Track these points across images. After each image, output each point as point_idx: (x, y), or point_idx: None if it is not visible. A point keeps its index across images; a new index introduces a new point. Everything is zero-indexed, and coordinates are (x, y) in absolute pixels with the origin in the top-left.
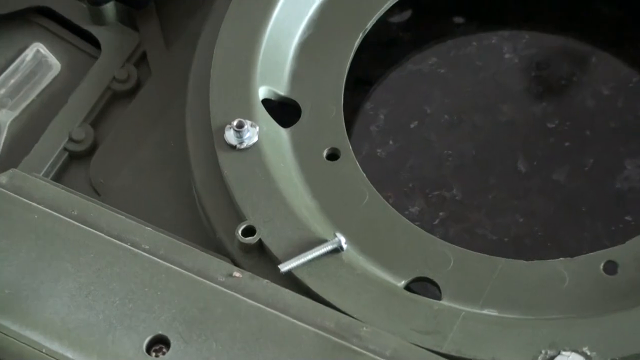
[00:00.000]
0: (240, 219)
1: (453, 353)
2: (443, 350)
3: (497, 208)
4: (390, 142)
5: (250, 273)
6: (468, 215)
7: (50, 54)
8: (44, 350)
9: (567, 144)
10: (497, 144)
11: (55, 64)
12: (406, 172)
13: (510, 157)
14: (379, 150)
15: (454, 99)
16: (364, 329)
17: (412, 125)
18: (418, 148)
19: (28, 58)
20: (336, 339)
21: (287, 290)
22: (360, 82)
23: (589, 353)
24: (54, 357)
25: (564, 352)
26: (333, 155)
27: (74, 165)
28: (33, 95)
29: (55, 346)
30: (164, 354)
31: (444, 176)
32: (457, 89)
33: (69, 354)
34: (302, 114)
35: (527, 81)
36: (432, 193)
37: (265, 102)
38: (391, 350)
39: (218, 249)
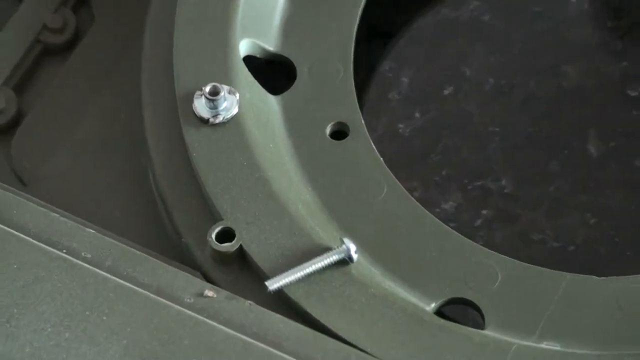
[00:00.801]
0: (215, 218)
1: None
2: None
3: (560, 205)
4: (417, 115)
5: (227, 292)
6: (521, 214)
7: None
8: None
9: None
10: (561, 118)
11: None
12: (438, 155)
13: (579, 137)
14: (400, 126)
15: (502, 58)
16: None
17: (445, 92)
18: (454, 123)
19: None
20: None
21: (277, 316)
22: (376, 33)
23: None
24: None
25: None
26: (339, 133)
27: None
28: None
29: None
30: None
31: (488, 161)
32: (507, 43)
33: None
34: (297, 77)
35: (600, 34)
36: (472, 184)
37: (249, 60)
38: None
39: (184, 258)
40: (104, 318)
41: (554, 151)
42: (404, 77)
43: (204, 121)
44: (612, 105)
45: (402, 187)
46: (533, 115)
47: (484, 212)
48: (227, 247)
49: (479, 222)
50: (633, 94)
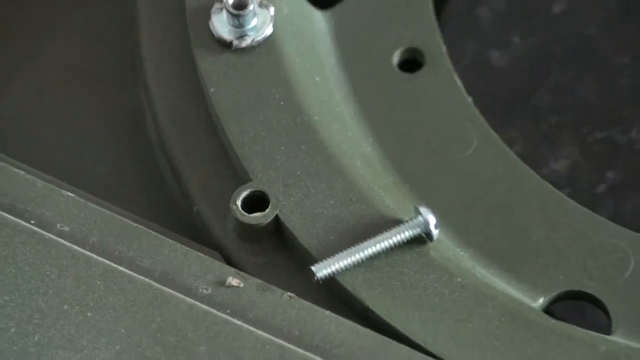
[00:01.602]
0: (241, 179)
1: None
2: None
3: None
4: (516, 40)
5: (258, 280)
6: None
7: None
8: None
9: None
10: None
11: None
12: (546, 95)
13: None
14: (494, 54)
15: None
16: None
17: (555, 10)
18: (567, 51)
19: None
20: None
21: (328, 313)
22: None
23: None
24: None
25: None
26: (411, 62)
27: None
28: None
29: None
30: None
31: (615, 105)
32: None
33: None
34: None
35: None
36: (593, 135)
37: None
38: None
39: (197, 233)
40: (89, 314)
41: None
42: None
43: (226, 44)
44: None
45: (497, 138)
46: None
47: (609, 173)
48: (258, 217)
49: (602, 187)
50: None
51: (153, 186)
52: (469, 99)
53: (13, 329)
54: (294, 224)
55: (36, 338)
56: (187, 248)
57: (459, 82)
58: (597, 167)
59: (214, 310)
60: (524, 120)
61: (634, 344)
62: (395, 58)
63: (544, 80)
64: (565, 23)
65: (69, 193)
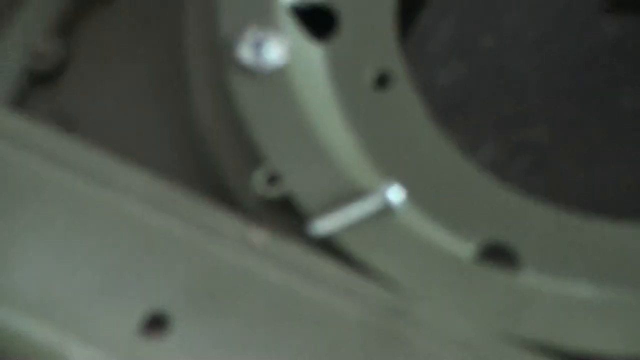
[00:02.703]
0: (260, 163)
1: (537, 341)
2: (525, 336)
3: (593, 155)
4: (456, 67)
5: (271, 234)
6: (557, 164)
7: None
8: (13, 333)
9: None
10: (597, 71)
11: None
12: (476, 106)
13: (613, 90)
14: (440, 77)
15: (540, 10)
16: (422, 308)
17: (485, 44)
18: (492, 75)
19: None
20: (386, 323)
21: (321, 258)
22: None
23: None
24: (24, 341)
25: None
26: (382, 81)
27: (37, 91)
28: None
29: (26, 327)
30: (162, 335)
31: (525, 112)
32: None
33: (38, 336)
34: (341, 25)
35: None
36: (510, 135)
37: (292, 10)
38: (459, 339)
39: (231, 203)
40: (155, 257)
41: (589, 103)
42: (443, 28)
43: (248, 70)
44: None
45: (442, 136)
46: (570, 67)
47: (520, 162)
48: (272, 190)
49: (514, 171)
50: None
51: (198, 169)
52: (423, 108)
53: (101, 268)
54: (300, 193)
55: (117, 274)
56: (222, 211)
57: (415, 95)
58: (513, 157)
59: (243, 255)
60: (462, 124)
61: (537, 279)
62: (371, 77)
63: (474, 95)
64: (493, 53)
65: (139, 171)
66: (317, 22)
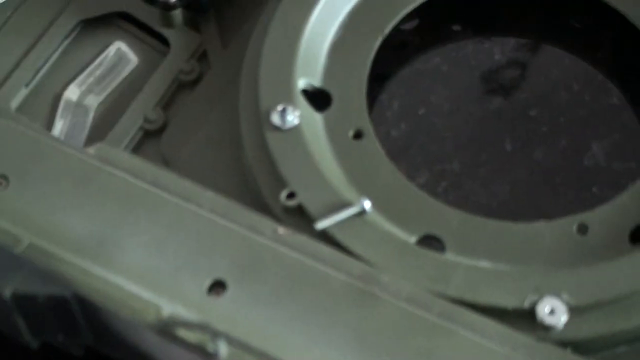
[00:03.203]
0: (284, 186)
1: (457, 297)
2: (449, 295)
3: (488, 179)
4: (402, 126)
5: (291, 230)
6: (465, 184)
7: (130, 51)
8: (123, 291)
9: (544, 128)
10: (488, 127)
11: (133, 59)
12: (415, 149)
13: (499, 139)
14: (393, 132)
15: (453, 91)
16: (384, 276)
17: (420, 112)
18: (424, 130)
19: (111, 54)
20: (361, 285)
21: (321, 244)
22: (379, 77)
23: (566, 298)
24: (131, 297)
25: (546, 297)
26: (358, 135)
27: (148, 142)
28: (115, 84)
29: (133, 288)
30: (222, 294)
31: (445, 153)
32: (456, 83)
33: (143, 294)
34: (332, 101)
35: (512, 77)
36: (435, 167)
37: (303, 93)
38: (406, 294)
39: (266, 211)
40: (217, 245)
41: (484, 147)
42: (395, 103)
43: (278, 128)
44: (519, 120)
45: (396, 167)
46: (471, 125)
47: (443, 183)
48: (291, 203)
49: (440, 189)
50: (532, 113)
51: (246, 190)
52: (383, 151)
53: (184, 251)
54: (308, 205)
55: (194, 255)
56: (261, 216)
57: (379, 144)
58: (438, 181)
59: (272, 243)
60: (406, 160)
61: (455, 258)
62: (351, 133)
63: (414, 143)
64: (424, 118)
65: (210, 192)
66: (319, 100)
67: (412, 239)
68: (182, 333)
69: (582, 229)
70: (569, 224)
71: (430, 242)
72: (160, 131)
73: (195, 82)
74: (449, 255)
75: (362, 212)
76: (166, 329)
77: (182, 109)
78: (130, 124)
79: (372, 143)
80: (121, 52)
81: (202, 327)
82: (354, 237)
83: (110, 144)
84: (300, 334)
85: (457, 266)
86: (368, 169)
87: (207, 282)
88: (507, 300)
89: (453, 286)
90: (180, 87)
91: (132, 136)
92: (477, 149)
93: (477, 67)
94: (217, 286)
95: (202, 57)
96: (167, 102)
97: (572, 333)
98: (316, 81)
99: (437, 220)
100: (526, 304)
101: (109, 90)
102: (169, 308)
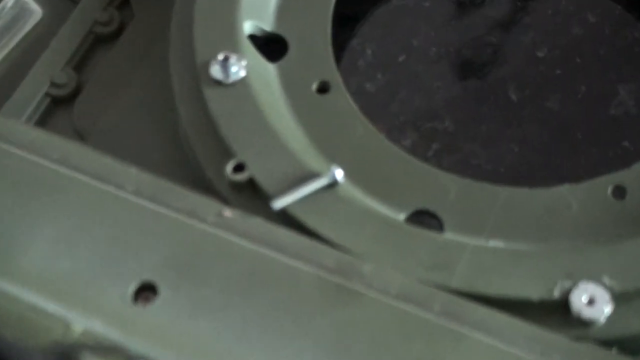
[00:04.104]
0: (230, 155)
1: (463, 288)
2: (452, 286)
3: (490, 138)
4: (379, 77)
5: (241, 211)
6: (461, 146)
7: (31, 0)
8: (21, 304)
9: (557, 71)
10: (487, 74)
11: (36, 10)
12: (397, 105)
13: (501, 87)
14: (367, 85)
15: (439, 32)
16: (367, 266)
17: (399, 59)
18: (407, 81)
19: (9, 4)
20: (338, 279)
21: (281, 229)
22: (347, 17)
23: (608, 283)
24: (32, 311)
25: (581, 283)
26: (323, 89)
27: (57, 111)
28: (15, 41)
29: (33, 298)
30: (151, 301)
31: (435, 109)
32: (443, 21)
33: (49, 307)
34: (289, 49)
35: (511, 11)
36: (423, 126)
37: (251, 39)
38: (397, 288)
39: (208, 189)
40: (144, 237)
41: (483, 99)
42: (369, 49)
43: (219, 82)
44: (525, 63)
45: (374, 128)
46: (466, 73)
47: (434, 145)
48: (240, 177)
49: (430, 153)
50: (540, 54)
51: (183, 164)
52: (356, 107)
53: (101, 247)
54: (261, 178)
55: (114, 251)
56: (201, 196)
57: (350, 99)
58: (427, 142)
59: (216, 230)
60: (386, 119)
61: (456, 238)
62: (314, 86)
63: (394, 98)
64: (405, 66)
65: (134, 169)
66: (271, 47)
67: (400, 216)
68: None
69: (619, 191)
70: (601, 186)
71: (424, 218)
72: (72, 97)
73: (114, 35)
74: (449, 235)
75: (333, 185)
76: (72, 353)
77: (98, 69)
78: (33, 89)
79: (341, 97)
80: (22, 2)
81: (115, 351)
82: (323, 217)
83: (7, 115)
84: (258, 351)
85: (461, 248)
86: (337, 130)
87: (133, 287)
88: (531, 290)
89: (458, 275)
90: (96, 42)
91: (37, 105)
92: (475, 101)
93: (467, 0)
94: (146, 291)
95: (122, 3)
96: (80, 62)
97: (619, 328)
98: (267, 24)
99: (430, 190)
100: (556, 293)
101: (7, 49)
102: (81, 323)
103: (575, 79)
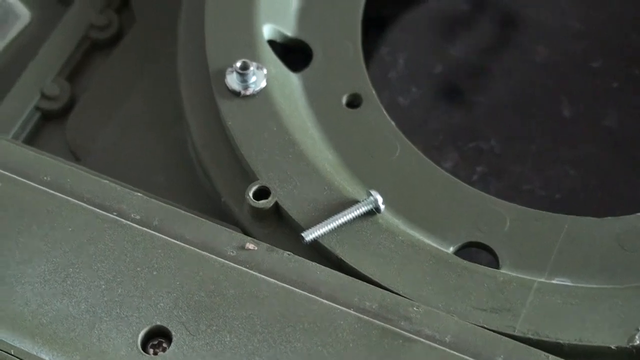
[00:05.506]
0: (251, 179)
1: (530, 335)
2: (517, 332)
3: (542, 159)
4: (413, 90)
5: (266, 244)
6: (510, 168)
7: (19, 1)
8: (12, 352)
9: (614, 84)
10: (537, 87)
11: (23, 13)
12: (434, 122)
13: (553, 102)
14: (400, 98)
15: (480, 39)
16: (415, 308)
17: (436, 70)
18: (444, 95)
19: None
20: (382, 323)
21: (314, 264)
22: (376, 21)
23: None
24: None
25: None
26: (354, 102)
27: (48, 127)
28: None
29: (26, 345)
30: (164, 350)
31: (477, 125)
32: (484, 27)
33: (43, 355)
34: (313, 57)
35: (564, 18)
36: (466, 145)
37: (270, 43)
38: (452, 335)
39: (224, 216)
40: (154, 273)
41: (532, 114)
42: (400, 57)
43: (236, 94)
44: (578, 75)
45: (413, 146)
46: (512, 85)
47: (479, 168)
48: (263, 203)
49: (475, 177)
50: (595, 65)
51: (194, 188)
52: (392, 122)
53: (104, 285)
54: (288, 206)
55: (119, 291)
56: (218, 225)
57: (385, 113)
58: (471, 165)
59: (238, 266)
60: (423, 138)
61: (516, 274)
62: (344, 99)
63: (431, 113)
64: (442, 77)
65: (139, 194)
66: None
67: (450, 249)
68: None
69: None
70: None
71: (474, 252)
72: (64, 112)
73: (112, 41)
74: (506, 271)
75: (372, 213)
76: None
77: (94, 79)
78: (21, 103)
79: (375, 111)
80: (7, 5)
81: None
82: (363, 251)
83: None
84: None
85: (524, 287)
86: (372, 150)
87: (142, 333)
88: (608, 337)
89: (524, 319)
90: (92, 48)
91: (25, 120)
92: (523, 117)
93: (511, 5)
94: (158, 338)
95: (122, 6)
96: (74, 71)
97: None
98: (288, 29)
99: (482, 220)
100: (638, 341)
101: None
102: None
103: (635, 92)
